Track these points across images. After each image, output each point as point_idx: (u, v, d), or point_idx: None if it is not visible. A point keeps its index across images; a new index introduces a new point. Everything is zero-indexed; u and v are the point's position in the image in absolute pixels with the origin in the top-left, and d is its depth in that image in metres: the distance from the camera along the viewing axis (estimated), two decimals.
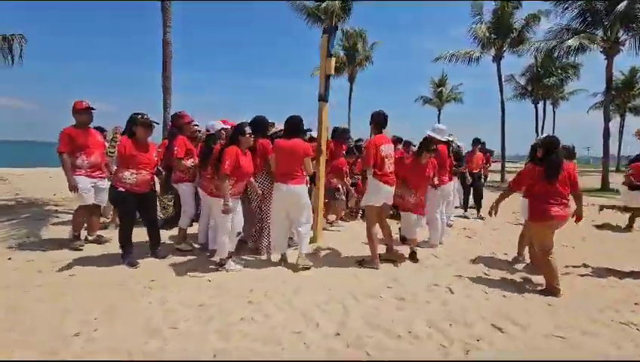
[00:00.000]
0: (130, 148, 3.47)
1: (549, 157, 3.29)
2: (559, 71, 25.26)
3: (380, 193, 3.71)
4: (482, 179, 7.75)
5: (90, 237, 4.28)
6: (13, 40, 10.76)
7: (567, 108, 41.19)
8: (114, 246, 3.90)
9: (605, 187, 13.46)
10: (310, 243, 4.09)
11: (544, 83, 25.40)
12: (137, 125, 3.53)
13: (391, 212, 6.61)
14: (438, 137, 4.53)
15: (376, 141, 3.71)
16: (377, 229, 3.89)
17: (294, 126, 3.72)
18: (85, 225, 4.30)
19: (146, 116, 3.57)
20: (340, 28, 16.81)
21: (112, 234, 4.38)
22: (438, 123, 32.46)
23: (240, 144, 3.43)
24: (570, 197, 3.35)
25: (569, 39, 12.89)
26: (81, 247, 4.03)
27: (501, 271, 3.84)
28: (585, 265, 4.12)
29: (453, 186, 4.97)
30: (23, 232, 4.69)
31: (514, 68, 42.03)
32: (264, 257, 3.97)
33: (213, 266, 3.58)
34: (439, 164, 4.53)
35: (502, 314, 2.81)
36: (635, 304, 3.13)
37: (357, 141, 6.81)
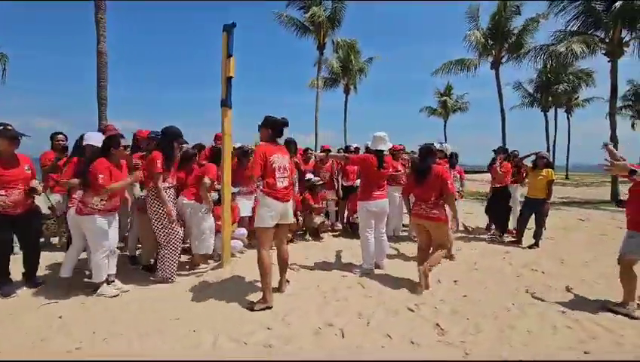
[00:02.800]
0: None
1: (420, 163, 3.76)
2: (570, 77, 24.09)
3: (271, 211, 3.03)
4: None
5: None
6: None
7: (586, 115, 39.56)
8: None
9: (615, 198, 12.40)
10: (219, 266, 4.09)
11: (553, 90, 24.29)
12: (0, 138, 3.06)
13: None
14: (371, 147, 4.03)
15: (265, 149, 3.06)
16: (271, 258, 3.11)
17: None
18: None
19: (9, 127, 3.10)
20: (331, 39, 16.52)
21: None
22: (444, 134, 31.17)
23: (111, 157, 3.15)
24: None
25: (561, 44, 12.02)
26: None
27: (439, 304, 3.12)
28: (544, 299, 3.33)
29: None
30: None
31: (523, 75, 41.03)
32: (166, 285, 3.50)
33: (90, 289, 3.19)
34: (368, 178, 3.95)
35: None
36: (585, 353, 2.43)
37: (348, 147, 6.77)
